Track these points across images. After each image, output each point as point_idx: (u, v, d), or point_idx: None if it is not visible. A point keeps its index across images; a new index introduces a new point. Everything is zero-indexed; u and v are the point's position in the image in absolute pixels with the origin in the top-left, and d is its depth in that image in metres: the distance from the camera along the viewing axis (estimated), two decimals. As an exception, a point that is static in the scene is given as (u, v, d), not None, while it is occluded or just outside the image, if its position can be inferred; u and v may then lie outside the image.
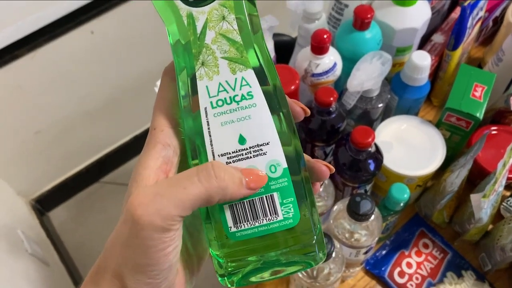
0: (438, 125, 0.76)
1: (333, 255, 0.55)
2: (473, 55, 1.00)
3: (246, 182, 0.27)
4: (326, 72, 0.70)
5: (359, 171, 0.65)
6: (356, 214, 0.56)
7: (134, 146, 1.84)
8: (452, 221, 0.79)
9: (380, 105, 0.73)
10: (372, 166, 0.64)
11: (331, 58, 0.70)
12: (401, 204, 0.66)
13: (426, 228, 0.79)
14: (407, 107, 0.78)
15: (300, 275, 0.60)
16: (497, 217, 0.77)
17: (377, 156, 0.65)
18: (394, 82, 0.77)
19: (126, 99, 1.64)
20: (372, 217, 0.58)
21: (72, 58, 1.38)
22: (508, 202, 0.77)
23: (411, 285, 0.73)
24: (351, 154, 0.64)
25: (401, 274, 0.74)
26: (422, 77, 0.74)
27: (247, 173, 0.28)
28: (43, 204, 1.73)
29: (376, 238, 0.61)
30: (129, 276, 0.27)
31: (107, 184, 1.85)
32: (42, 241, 1.52)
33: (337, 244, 0.57)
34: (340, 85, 0.78)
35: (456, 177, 0.67)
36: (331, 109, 0.66)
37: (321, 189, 0.61)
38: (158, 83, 0.63)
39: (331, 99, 0.64)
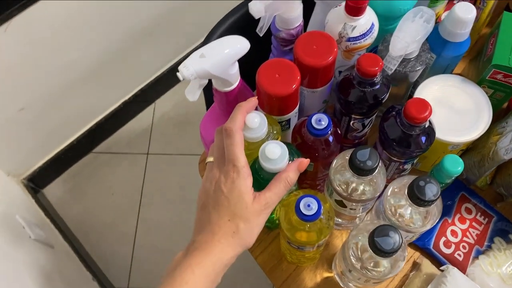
0: (480, 82, 0.70)
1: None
2: (498, -4, 0.92)
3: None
4: (364, 35, 0.62)
5: (409, 147, 0.59)
6: (420, 200, 0.51)
7: (125, 112, 1.75)
8: (494, 182, 0.75)
9: (419, 67, 0.66)
10: (424, 141, 0.58)
11: (368, 19, 0.62)
12: (453, 178, 0.61)
13: (466, 191, 0.75)
14: (445, 66, 0.71)
15: (353, 260, 0.56)
16: (542, 174, 0.73)
17: (431, 130, 0.59)
18: (431, 38, 0.69)
19: (111, 64, 1.53)
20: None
21: (49, 26, 1.25)
22: (554, 159, 0.73)
23: (459, 254, 0.70)
24: (403, 129, 0.57)
25: (447, 244, 0.71)
26: (465, 32, 0.66)
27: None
28: (36, 182, 1.65)
29: (436, 220, 0.57)
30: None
31: (101, 154, 1.76)
32: (41, 222, 1.46)
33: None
34: (370, 46, 0.70)
35: (511, 142, 0.62)
36: (375, 79, 0.59)
37: (375, 173, 0.54)
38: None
39: (377, 68, 0.57)
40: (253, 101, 0.53)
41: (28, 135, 1.50)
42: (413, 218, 0.57)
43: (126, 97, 1.71)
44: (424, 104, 0.55)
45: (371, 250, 0.50)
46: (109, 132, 1.77)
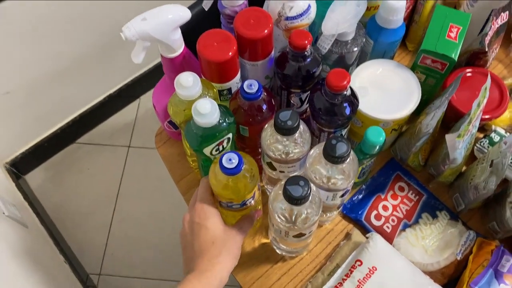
0: (413, 68, 0.75)
1: (310, 198, 0.55)
2: (449, -2, 0.98)
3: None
4: (300, 15, 0.68)
5: (334, 115, 0.64)
6: (332, 156, 0.56)
7: (109, 105, 1.80)
8: (427, 164, 0.80)
9: (356, 49, 0.72)
10: (347, 110, 0.64)
11: (305, 0, 0.68)
12: (377, 148, 0.66)
13: (401, 171, 0.80)
14: (383, 51, 0.77)
15: (279, 220, 0.61)
16: (470, 158, 0.78)
17: (353, 99, 0.64)
18: (369, 25, 0.76)
19: (98, 56, 1.59)
20: (348, 159, 0.58)
21: (38, 14, 1.32)
22: (481, 143, 0.79)
23: (387, 227, 0.75)
24: (326, 99, 0.63)
25: (378, 217, 0.76)
26: (398, 19, 0.72)
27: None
28: (19, 168, 1.70)
29: (352, 181, 0.62)
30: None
31: (84, 145, 1.82)
32: (19, 204, 1.50)
33: (313, 188, 0.57)
34: (315, 30, 0.76)
35: (432, 119, 0.67)
36: (306, 53, 0.64)
37: (296, 135, 0.60)
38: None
39: (306, 42, 0.63)
40: None
41: (13, 120, 1.56)
42: (332, 180, 0.62)
43: (111, 91, 1.77)
44: (343, 74, 0.60)
45: (283, 198, 0.55)
46: (93, 124, 1.82)
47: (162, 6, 0.60)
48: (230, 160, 0.56)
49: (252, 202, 0.65)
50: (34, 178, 1.76)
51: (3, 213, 1.28)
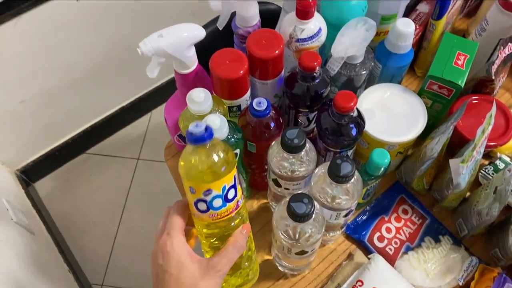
0: (420, 93, 0.77)
1: (313, 215, 0.56)
2: (458, 27, 1.00)
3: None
4: (311, 38, 0.70)
5: (341, 135, 0.66)
6: (336, 176, 0.57)
7: (121, 118, 1.83)
8: (431, 188, 0.81)
9: (364, 72, 0.74)
10: (354, 131, 0.65)
11: (316, 24, 0.70)
12: (382, 169, 0.68)
13: (406, 194, 0.81)
14: (391, 75, 0.79)
15: (282, 237, 0.61)
16: (475, 185, 0.79)
17: (359, 121, 0.66)
18: (378, 50, 0.77)
19: (113, 69, 1.63)
20: (352, 179, 0.59)
21: (57, 25, 1.36)
22: (486, 170, 0.79)
23: (390, 249, 0.75)
24: (333, 119, 0.64)
25: (381, 238, 0.76)
26: (406, 45, 0.74)
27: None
28: (29, 175, 1.73)
29: (356, 201, 0.63)
30: None
31: (94, 155, 1.84)
32: (27, 211, 1.52)
33: (317, 206, 0.58)
34: (325, 53, 0.78)
35: (437, 143, 0.69)
36: (315, 74, 0.66)
37: (302, 153, 0.61)
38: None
39: (315, 63, 0.65)
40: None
41: (26, 128, 1.59)
42: (336, 200, 0.63)
43: (124, 103, 1.80)
44: (350, 96, 0.62)
45: (287, 215, 0.56)
46: (105, 135, 1.85)
47: (179, 24, 0.63)
48: (196, 125, 0.46)
49: (236, 195, 0.52)
50: (43, 186, 1.78)
51: (12, 219, 1.30)
